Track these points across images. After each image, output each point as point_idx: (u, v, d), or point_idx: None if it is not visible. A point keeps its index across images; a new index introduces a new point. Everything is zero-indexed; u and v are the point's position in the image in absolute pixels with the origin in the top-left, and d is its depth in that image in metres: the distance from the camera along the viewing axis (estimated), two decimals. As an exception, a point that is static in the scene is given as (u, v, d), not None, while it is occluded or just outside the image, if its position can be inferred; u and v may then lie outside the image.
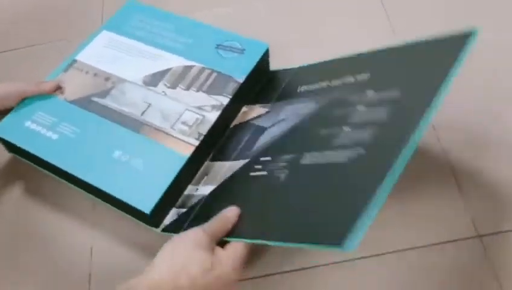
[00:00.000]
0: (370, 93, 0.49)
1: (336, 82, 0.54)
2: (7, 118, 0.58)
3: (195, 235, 0.44)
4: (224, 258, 0.43)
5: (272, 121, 0.57)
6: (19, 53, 0.77)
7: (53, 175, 0.58)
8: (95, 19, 0.79)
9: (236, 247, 0.44)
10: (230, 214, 0.46)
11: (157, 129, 0.56)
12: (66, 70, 0.63)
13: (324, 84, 0.55)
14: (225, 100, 0.58)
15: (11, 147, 0.59)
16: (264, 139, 0.55)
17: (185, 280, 0.40)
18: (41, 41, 0.78)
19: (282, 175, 0.47)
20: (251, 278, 0.52)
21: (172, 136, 0.55)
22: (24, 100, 0.59)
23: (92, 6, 0.81)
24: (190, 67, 0.61)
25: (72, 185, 0.57)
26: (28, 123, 0.58)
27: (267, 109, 0.59)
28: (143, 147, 0.54)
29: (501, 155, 0.58)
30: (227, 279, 0.42)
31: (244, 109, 0.62)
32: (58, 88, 0.60)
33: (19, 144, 0.56)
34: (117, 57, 0.63)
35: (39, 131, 0.57)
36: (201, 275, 0.40)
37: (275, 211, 0.45)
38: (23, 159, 0.60)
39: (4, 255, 0.56)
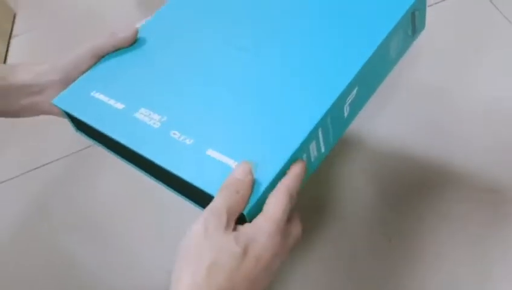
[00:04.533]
0: None
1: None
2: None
3: (208, 220, 0.34)
4: (256, 232, 0.34)
5: None
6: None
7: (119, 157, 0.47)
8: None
9: (266, 212, 0.35)
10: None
11: None
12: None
13: None
14: None
15: (77, 122, 0.48)
16: None
17: (221, 278, 0.32)
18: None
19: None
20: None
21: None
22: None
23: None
24: None
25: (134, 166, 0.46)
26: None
27: None
28: None
29: None
30: (269, 256, 0.34)
31: None
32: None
33: (81, 117, 0.45)
34: None
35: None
36: (236, 265, 0.33)
37: None
38: (97, 143, 0.48)
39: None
